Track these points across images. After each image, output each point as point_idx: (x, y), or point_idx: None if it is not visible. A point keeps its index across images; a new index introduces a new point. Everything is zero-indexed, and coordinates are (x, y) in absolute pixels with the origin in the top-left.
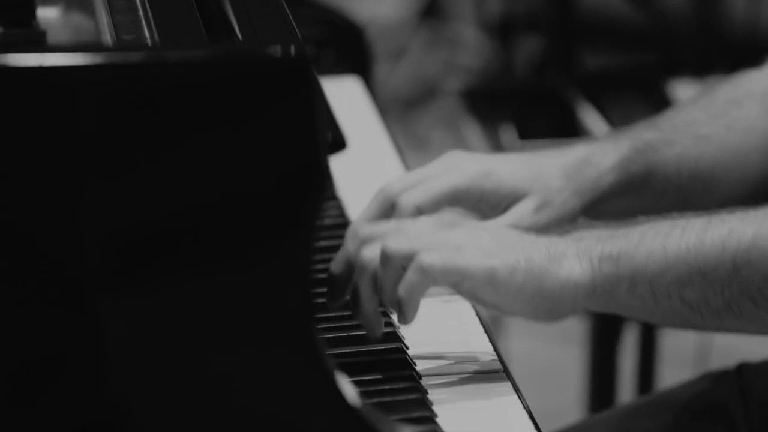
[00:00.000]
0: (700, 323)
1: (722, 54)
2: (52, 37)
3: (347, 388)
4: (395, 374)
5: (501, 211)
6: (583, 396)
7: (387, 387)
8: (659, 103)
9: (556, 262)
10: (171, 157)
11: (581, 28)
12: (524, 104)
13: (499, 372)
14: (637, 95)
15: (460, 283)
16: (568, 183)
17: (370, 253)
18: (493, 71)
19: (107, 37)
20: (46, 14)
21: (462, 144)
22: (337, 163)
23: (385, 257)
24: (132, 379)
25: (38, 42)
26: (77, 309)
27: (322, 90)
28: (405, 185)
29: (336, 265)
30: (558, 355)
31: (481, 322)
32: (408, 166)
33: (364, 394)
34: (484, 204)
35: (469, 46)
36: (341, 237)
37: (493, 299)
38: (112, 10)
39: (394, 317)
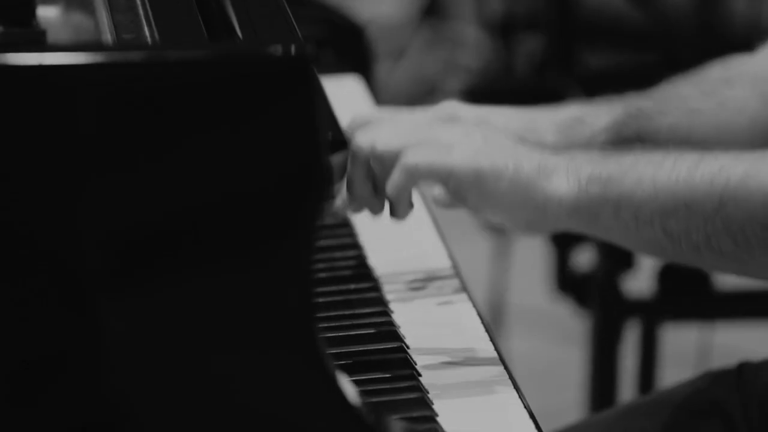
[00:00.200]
0: (678, 255)
1: (722, 54)
2: (52, 37)
3: (347, 387)
4: (396, 373)
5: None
6: (583, 395)
7: (387, 386)
8: None
9: (544, 175)
10: (171, 157)
11: (582, 27)
12: (525, 104)
13: (499, 371)
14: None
15: (445, 182)
16: (562, 139)
17: (362, 141)
18: (493, 71)
19: (107, 37)
20: (46, 13)
21: None
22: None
23: (374, 153)
24: (132, 379)
25: (38, 41)
26: (77, 309)
27: (323, 89)
28: (403, 143)
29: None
30: (559, 354)
31: (482, 322)
32: None
33: (364, 393)
34: None
35: (469, 46)
36: (341, 236)
37: (477, 202)
38: (112, 9)
39: (394, 316)
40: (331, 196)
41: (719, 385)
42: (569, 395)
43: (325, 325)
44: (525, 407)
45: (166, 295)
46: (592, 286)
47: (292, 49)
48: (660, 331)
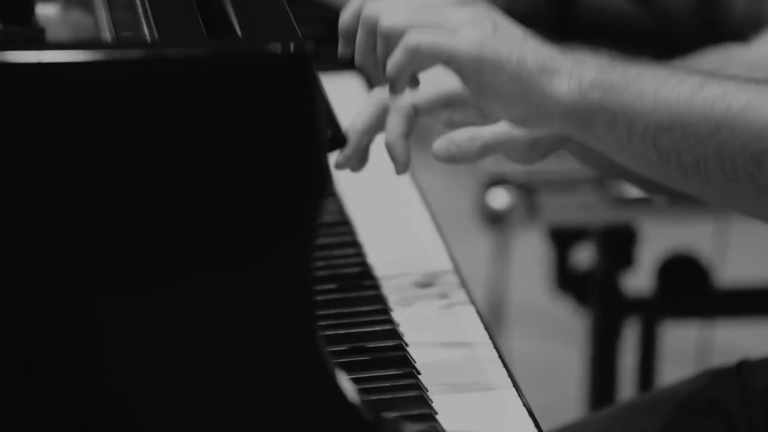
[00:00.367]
0: (664, 174)
1: None
2: (50, 34)
3: (347, 385)
4: (395, 371)
5: (494, 120)
6: (583, 393)
7: (387, 384)
8: None
9: (546, 74)
10: (170, 155)
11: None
12: None
13: (499, 369)
14: None
15: (447, 64)
16: None
17: (370, 11)
18: None
19: (106, 34)
20: (45, 11)
21: None
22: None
23: (380, 29)
24: (132, 379)
25: (37, 39)
26: (77, 309)
27: (322, 87)
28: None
29: (345, 14)
30: (558, 352)
31: (482, 321)
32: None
33: (363, 392)
34: (480, 109)
35: None
36: (341, 234)
37: (475, 89)
38: (111, 7)
39: (393, 314)
40: (331, 194)
41: (719, 383)
42: (569, 393)
43: (324, 323)
44: (524, 405)
45: (166, 295)
46: (591, 284)
47: (292, 47)
48: (660, 329)
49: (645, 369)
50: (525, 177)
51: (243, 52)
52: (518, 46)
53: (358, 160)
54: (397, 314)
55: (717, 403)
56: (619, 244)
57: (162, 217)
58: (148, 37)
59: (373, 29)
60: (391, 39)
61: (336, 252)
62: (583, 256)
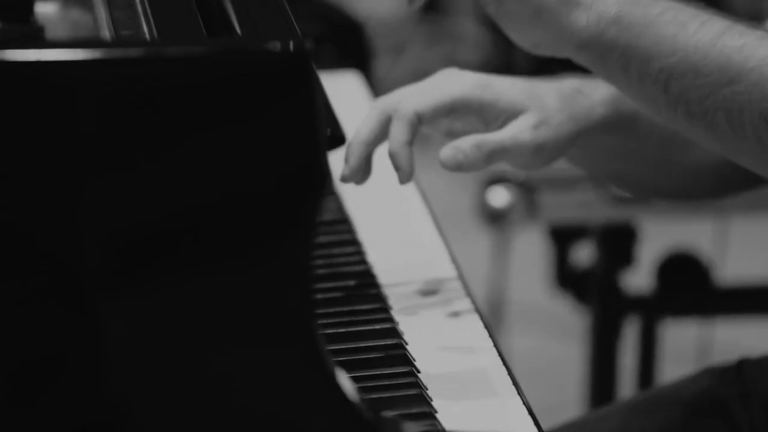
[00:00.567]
0: (670, 117)
1: None
2: (50, 33)
3: (346, 384)
4: (395, 370)
5: (499, 125)
6: (583, 392)
7: (386, 383)
8: None
9: (566, 6)
10: (169, 154)
11: None
12: None
13: (499, 368)
14: None
15: None
16: (564, 106)
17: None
18: (493, 66)
19: (105, 33)
20: (45, 10)
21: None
22: (336, 159)
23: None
24: (132, 379)
25: (36, 37)
26: (77, 309)
27: (322, 86)
28: (402, 95)
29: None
30: (558, 351)
31: (481, 319)
32: None
33: (363, 390)
34: (483, 116)
35: (469, 41)
36: (340, 233)
37: (494, 13)
38: (110, 5)
39: (393, 313)
40: (331, 193)
41: (719, 382)
42: (569, 391)
43: (324, 321)
44: (524, 403)
45: (166, 294)
46: (591, 283)
47: (291, 45)
48: (660, 327)
49: (645, 367)
50: (525, 175)
51: (242, 50)
52: None
53: (363, 173)
54: (396, 314)
55: (717, 402)
56: (618, 243)
57: (161, 216)
58: (147, 36)
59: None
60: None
61: (336, 250)
62: (583, 254)
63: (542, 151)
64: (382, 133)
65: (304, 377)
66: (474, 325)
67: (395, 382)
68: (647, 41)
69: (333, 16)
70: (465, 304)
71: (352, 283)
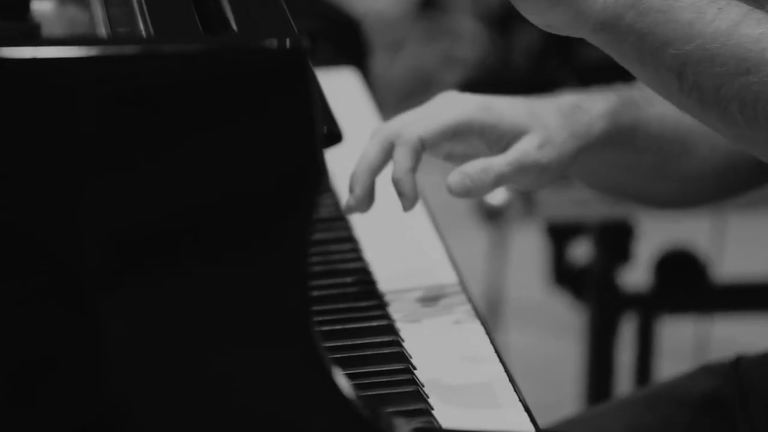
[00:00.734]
0: (682, 102)
1: None
2: (46, 30)
3: (343, 381)
4: (391, 367)
5: (502, 147)
6: (580, 389)
7: (383, 380)
8: None
9: None
10: (165, 151)
11: None
12: (523, 96)
13: (495, 365)
14: None
15: None
16: (565, 123)
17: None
18: (491, 63)
19: (102, 30)
20: (41, 7)
21: None
22: (332, 156)
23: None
24: (132, 379)
25: (32, 35)
26: (77, 309)
27: (318, 83)
28: (405, 122)
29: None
30: (555, 348)
31: (478, 316)
32: None
33: (359, 387)
34: (485, 139)
35: (467, 38)
36: (337, 230)
37: None
38: (106, 3)
39: (389, 309)
40: (327, 189)
41: (716, 378)
42: (566, 388)
43: (320, 318)
44: (520, 400)
45: (166, 294)
46: (588, 280)
47: (288, 42)
48: (657, 324)
49: (642, 364)
50: None
51: (239, 47)
52: None
53: (369, 201)
54: (394, 312)
55: (714, 398)
56: (616, 240)
57: (158, 213)
58: (143, 33)
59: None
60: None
61: (332, 247)
62: (580, 251)
63: (547, 171)
64: (385, 160)
65: (304, 377)
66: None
67: (392, 379)
68: (664, 27)
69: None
70: (461, 299)
71: (348, 280)
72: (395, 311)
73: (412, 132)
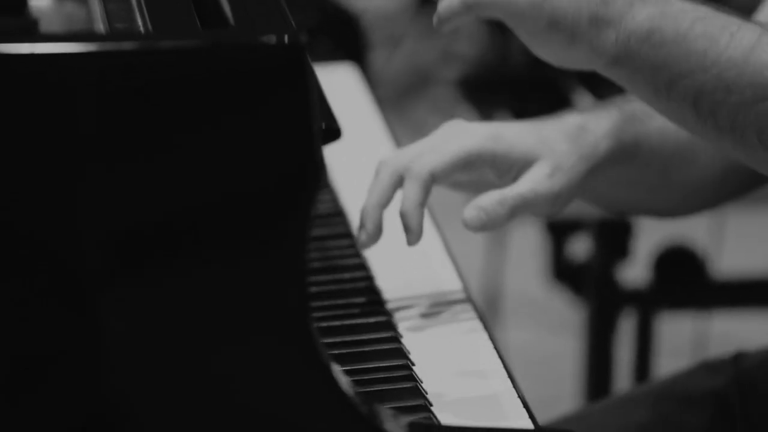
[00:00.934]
0: (698, 130)
1: None
2: (44, 26)
3: (342, 378)
4: (390, 363)
5: (512, 177)
6: (579, 385)
7: (382, 376)
8: None
9: (595, 27)
10: (163, 148)
11: None
12: (520, 92)
13: (494, 361)
14: None
15: (503, 18)
16: (573, 147)
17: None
18: (489, 59)
19: (100, 26)
20: (38, 3)
21: None
22: (331, 151)
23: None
24: (132, 378)
25: (30, 31)
26: (77, 309)
27: (317, 79)
28: (413, 155)
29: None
30: (554, 344)
31: (476, 312)
32: None
33: (358, 383)
34: (496, 169)
35: (465, 35)
36: (335, 225)
37: (525, 39)
38: None
39: (388, 306)
40: (325, 185)
41: (715, 375)
42: (565, 385)
43: (319, 314)
44: (519, 397)
45: (166, 294)
46: (587, 276)
47: (286, 38)
48: (656, 320)
49: (641, 360)
50: None
51: (237, 43)
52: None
53: (379, 234)
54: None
55: (713, 395)
56: (614, 236)
57: (156, 210)
58: (141, 29)
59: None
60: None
61: (330, 243)
62: (579, 247)
63: (560, 198)
64: (394, 194)
65: (304, 376)
66: (470, 320)
67: (391, 375)
68: (678, 58)
69: (328, 8)
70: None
71: (346, 276)
72: (394, 307)
73: (423, 166)
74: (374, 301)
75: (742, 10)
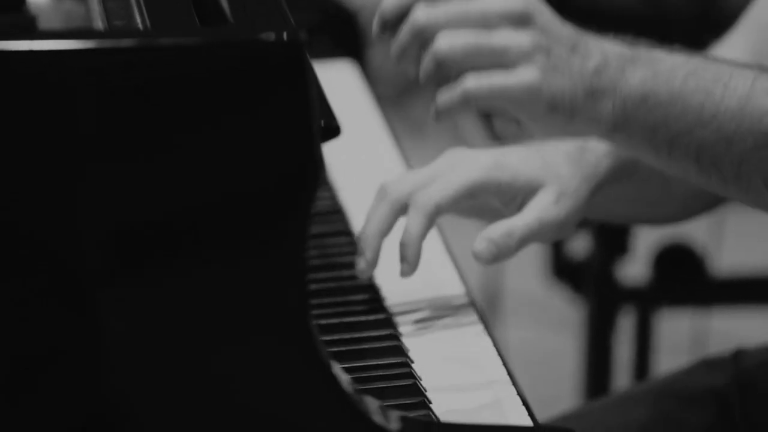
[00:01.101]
0: (702, 182)
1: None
2: (42, 23)
3: (341, 375)
4: (389, 360)
5: (517, 205)
6: (578, 384)
7: (381, 373)
8: None
9: (591, 99)
10: (162, 146)
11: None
12: None
13: (494, 359)
14: None
15: (502, 105)
16: (576, 170)
17: (424, 21)
18: None
19: (98, 23)
20: (37, 0)
21: (456, 130)
22: (330, 149)
23: (436, 54)
24: (132, 378)
25: (28, 28)
26: (77, 309)
27: (316, 76)
28: (415, 184)
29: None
30: (554, 342)
31: (476, 310)
32: (403, 152)
33: (357, 381)
34: (500, 197)
35: None
36: (333, 223)
37: (524, 119)
38: None
39: (386, 303)
40: (324, 184)
41: (715, 372)
42: (564, 383)
43: (318, 312)
44: (519, 395)
45: (166, 293)
46: (587, 274)
47: (285, 35)
48: (655, 318)
49: (640, 358)
50: None
51: (236, 41)
52: (569, 73)
53: (378, 262)
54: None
55: (713, 392)
56: (614, 234)
57: (155, 209)
58: (140, 26)
59: (420, 35)
60: (445, 65)
61: (329, 240)
62: (579, 245)
63: (565, 226)
64: (395, 222)
65: (304, 376)
66: (469, 318)
67: (389, 372)
68: (676, 117)
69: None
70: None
71: (345, 273)
72: (394, 306)
73: (428, 198)
74: (373, 298)
75: (739, 11)
